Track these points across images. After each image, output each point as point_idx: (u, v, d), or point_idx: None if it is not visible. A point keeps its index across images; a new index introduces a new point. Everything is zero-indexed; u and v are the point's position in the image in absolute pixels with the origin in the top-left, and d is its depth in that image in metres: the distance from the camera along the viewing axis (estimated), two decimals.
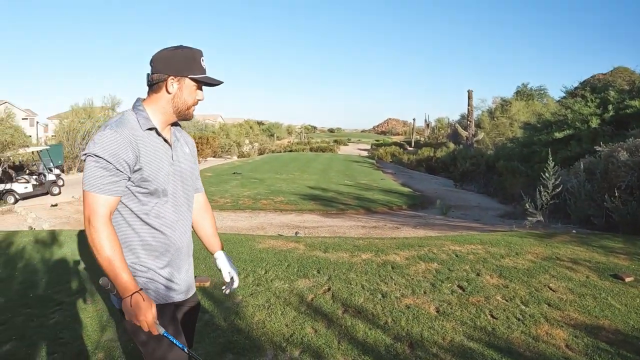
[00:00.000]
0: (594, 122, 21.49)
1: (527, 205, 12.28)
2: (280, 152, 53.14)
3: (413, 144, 66.31)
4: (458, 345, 4.12)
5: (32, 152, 24.53)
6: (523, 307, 5.10)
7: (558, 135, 22.20)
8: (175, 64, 2.26)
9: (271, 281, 5.58)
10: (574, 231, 9.94)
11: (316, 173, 25.57)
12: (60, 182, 22.17)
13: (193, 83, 2.30)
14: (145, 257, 2.28)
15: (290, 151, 54.28)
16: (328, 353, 3.91)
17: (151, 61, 2.29)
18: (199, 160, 25.31)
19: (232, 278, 2.63)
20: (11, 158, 21.55)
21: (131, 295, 2.04)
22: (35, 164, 23.10)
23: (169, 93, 2.28)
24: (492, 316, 4.80)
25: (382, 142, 75.64)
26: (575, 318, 4.86)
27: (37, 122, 72.32)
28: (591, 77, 31.58)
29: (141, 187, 2.21)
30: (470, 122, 40.05)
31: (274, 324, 4.40)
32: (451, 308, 4.95)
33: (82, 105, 42.25)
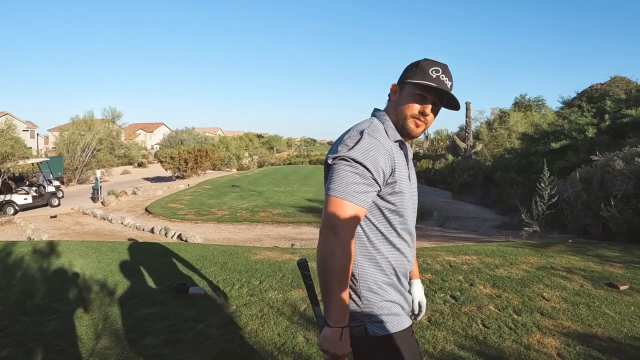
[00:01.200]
0: (591, 132, 21.53)
1: (523, 215, 12.33)
2: (280, 164, 53.18)
3: (412, 156, 66.45)
4: (449, 354, 4.16)
5: (32, 164, 24.60)
6: (515, 316, 5.14)
7: (555, 145, 22.23)
8: (404, 72, 2.14)
9: (265, 291, 5.63)
10: (570, 241, 9.98)
11: (315, 185, 25.59)
12: (59, 194, 22.25)
13: (416, 91, 2.07)
14: (389, 279, 2.06)
15: (290, 164, 54.32)
16: None
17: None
18: (197, 173, 25.15)
19: (420, 308, 2.36)
20: (11, 169, 21.59)
21: (342, 327, 1.86)
22: (35, 176, 23.17)
23: (391, 100, 2.19)
24: (483, 325, 4.84)
25: None
26: (567, 327, 4.90)
27: (38, 134, 72.53)
28: (589, 87, 31.57)
29: (389, 203, 2.01)
30: (468, 133, 40.09)
31: (267, 333, 4.44)
32: (443, 318, 4.99)
33: (83, 117, 42.48)
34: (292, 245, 10.12)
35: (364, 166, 1.89)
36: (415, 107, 2.08)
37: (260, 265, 6.80)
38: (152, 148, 79.78)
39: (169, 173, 33.45)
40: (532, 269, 7.01)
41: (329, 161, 2.01)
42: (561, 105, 31.70)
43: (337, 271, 1.82)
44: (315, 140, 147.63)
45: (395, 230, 2.05)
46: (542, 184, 11.95)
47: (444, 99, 2.12)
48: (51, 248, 8.16)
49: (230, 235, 12.31)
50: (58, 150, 35.08)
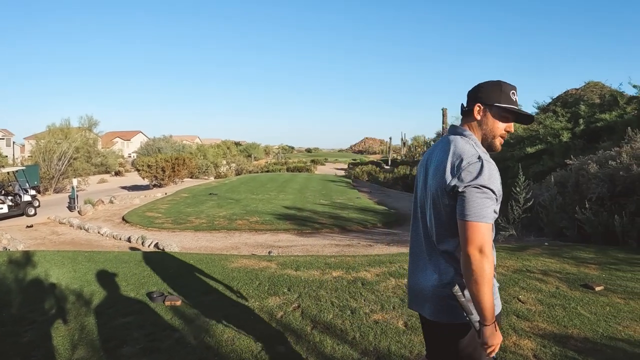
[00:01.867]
0: (565, 137, 21.80)
1: (499, 219, 12.44)
2: (258, 172, 52.95)
3: (390, 162, 66.46)
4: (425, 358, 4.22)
5: (8, 173, 24.32)
6: None
7: (530, 150, 22.45)
8: (485, 92, 2.40)
9: (242, 299, 5.66)
10: (546, 243, 10.12)
11: (292, 193, 25.58)
12: (36, 203, 21.94)
13: (503, 114, 2.39)
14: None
15: (268, 171, 54.11)
16: None
17: (468, 92, 2.50)
18: (175, 182, 25.03)
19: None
20: None
21: (494, 322, 2.20)
22: (11, 185, 22.87)
23: (476, 120, 2.43)
24: None
25: (358, 161, 75.87)
26: (543, 328, 4.98)
27: (14, 142, 71.66)
28: (564, 92, 31.85)
29: (496, 214, 2.26)
30: None
31: (244, 341, 4.46)
32: (418, 322, 5.03)
33: (59, 125, 41.98)
34: (270, 252, 10.12)
35: (492, 190, 2.20)
36: (502, 126, 2.42)
37: (237, 273, 6.81)
38: (129, 156, 79.19)
39: (146, 181, 33.20)
40: (508, 272, 7.10)
41: (460, 189, 2.22)
42: (536, 110, 32.01)
43: (488, 282, 2.12)
44: (293, 148, 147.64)
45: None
46: (518, 188, 12.08)
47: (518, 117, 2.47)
48: (27, 258, 8.10)
49: (207, 243, 12.27)
50: (34, 158, 34.67)
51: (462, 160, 2.25)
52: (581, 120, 22.49)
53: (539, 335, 4.76)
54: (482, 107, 2.40)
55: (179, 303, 5.50)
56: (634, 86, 21.84)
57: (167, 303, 5.48)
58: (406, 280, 6.52)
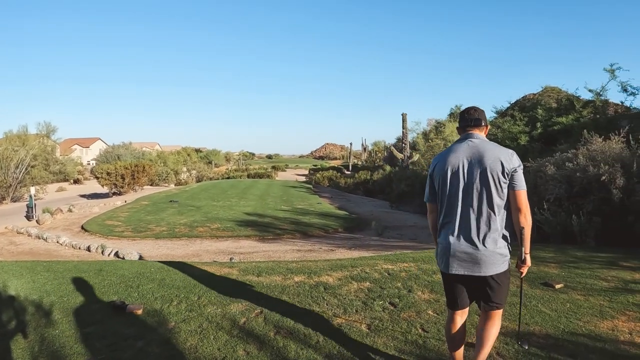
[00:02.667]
0: (523, 140, 22.27)
1: None
2: (218, 179, 52.66)
3: (350, 167, 66.75)
4: (390, 359, 4.25)
5: None
6: None
7: None
8: (485, 117, 3.81)
9: (204, 306, 5.60)
10: None
11: (253, 199, 25.49)
12: None
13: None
14: None
15: (228, 178, 53.86)
16: None
17: (482, 112, 3.78)
18: (135, 189, 24.70)
19: None
20: None
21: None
22: None
23: (485, 132, 3.84)
24: (423, 330, 4.94)
25: (319, 166, 76.05)
26: (505, 326, 5.05)
27: None
28: (522, 97, 32.38)
29: None
30: (405, 144, 40.71)
31: (206, 348, 4.43)
32: (382, 324, 5.07)
33: (16, 132, 41.16)
34: (231, 259, 10.08)
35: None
36: None
37: (199, 280, 6.74)
38: (88, 164, 77.87)
39: (105, 189, 32.68)
40: None
41: (515, 170, 3.47)
42: (495, 115, 32.53)
43: (531, 227, 3.51)
44: (253, 154, 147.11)
45: None
46: None
47: None
48: None
49: (168, 251, 12.14)
50: None
51: (501, 152, 3.49)
52: (539, 124, 23.00)
53: (502, 334, 4.83)
54: (487, 127, 3.84)
55: (140, 311, 5.43)
56: (590, 90, 22.48)
57: (129, 312, 5.41)
58: (368, 283, 6.58)
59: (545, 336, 4.81)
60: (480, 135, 3.66)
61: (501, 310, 3.71)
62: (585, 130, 14.70)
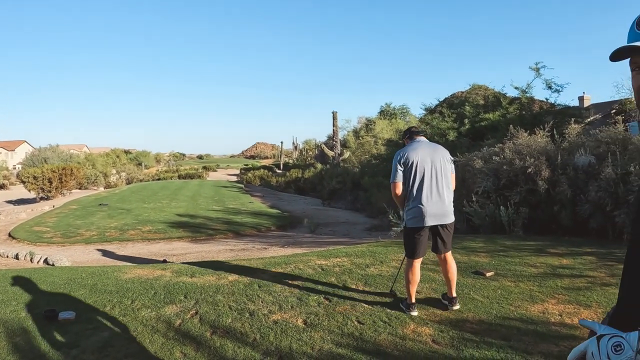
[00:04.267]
0: (452, 135, 22.79)
1: (390, 216, 12.79)
2: (149, 180, 51.67)
3: (282, 166, 66.66)
4: (327, 353, 4.28)
5: None
6: (389, 310, 5.38)
7: None
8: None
9: (138, 310, 5.50)
10: None
11: (185, 200, 25.17)
12: None
13: None
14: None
15: (159, 179, 52.94)
16: None
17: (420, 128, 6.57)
18: (63, 193, 23.97)
19: None
20: None
21: None
22: None
23: None
24: (358, 322, 5.01)
25: (251, 166, 75.57)
26: (439, 314, 5.19)
27: None
28: (451, 95, 33.14)
29: None
30: (335, 142, 41.05)
31: (143, 353, 4.36)
32: (318, 319, 5.12)
33: None
34: (164, 261, 9.93)
35: None
36: None
37: (132, 284, 6.61)
38: (14, 168, 75.00)
39: (32, 194, 31.50)
40: (401, 265, 7.32)
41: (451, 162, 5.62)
42: (424, 112, 33.13)
43: None
44: (184, 155, 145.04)
45: None
46: None
47: None
48: None
49: (99, 256, 11.83)
50: None
51: (442, 150, 5.53)
52: (466, 120, 23.61)
53: (436, 322, 4.96)
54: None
55: (73, 319, 5.29)
56: (516, 88, 23.19)
57: (61, 319, 5.26)
58: (303, 279, 6.61)
59: (479, 322, 4.97)
60: (425, 139, 5.65)
61: (450, 252, 5.54)
62: (511, 126, 15.19)
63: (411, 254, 5.40)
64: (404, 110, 46.06)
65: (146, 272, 7.32)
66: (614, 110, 16.44)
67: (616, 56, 1.46)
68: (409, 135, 5.73)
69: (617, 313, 1.53)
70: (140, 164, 76.29)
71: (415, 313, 5.27)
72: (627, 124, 12.44)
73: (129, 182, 52.00)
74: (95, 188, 43.56)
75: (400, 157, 5.39)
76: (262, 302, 5.71)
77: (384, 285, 6.33)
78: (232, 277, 6.87)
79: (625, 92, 22.32)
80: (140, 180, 52.33)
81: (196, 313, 5.37)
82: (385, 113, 45.30)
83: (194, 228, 15.97)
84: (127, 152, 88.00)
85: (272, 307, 5.53)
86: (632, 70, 1.49)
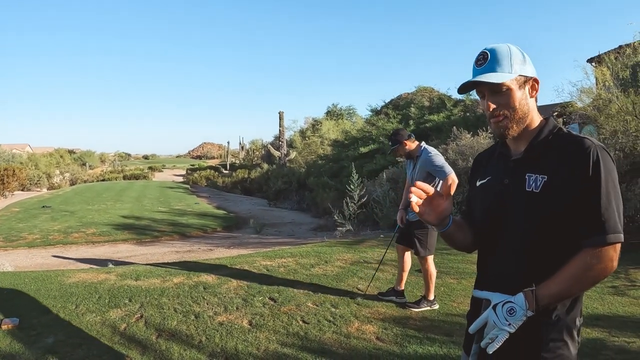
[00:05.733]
0: None
1: (336, 216, 12.95)
2: (93, 181, 50.61)
3: (228, 166, 66.17)
4: (272, 353, 4.35)
5: None
6: (333, 309, 5.48)
7: (364, 150, 23.48)
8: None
9: (82, 315, 5.42)
10: (382, 235, 10.67)
11: (130, 201, 24.75)
12: None
13: None
14: None
15: (104, 180, 51.94)
16: None
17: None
18: (4, 195, 23.25)
19: None
20: None
21: None
22: None
23: None
24: (303, 321, 5.10)
25: (197, 166, 74.69)
26: (384, 312, 5.32)
27: None
28: (397, 96, 33.51)
29: None
30: (282, 142, 41.03)
31: (88, 358, 4.33)
32: (264, 319, 5.18)
33: None
34: (109, 264, 9.81)
35: None
36: None
37: (75, 288, 6.50)
38: None
39: None
40: (346, 265, 7.46)
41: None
42: (370, 113, 33.44)
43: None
44: (129, 155, 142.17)
45: None
46: (352, 186, 12.64)
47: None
48: None
49: (42, 260, 11.54)
50: None
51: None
52: (411, 122, 23.98)
53: (380, 320, 5.09)
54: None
55: (16, 325, 5.20)
56: None
57: (4, 327, 5.13)
58: (248, 280, 6.65)
59: (422, 319, 5.13)
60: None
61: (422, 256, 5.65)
62: (455, 127, 15.54)
63: (431, 251, 5.70)
64: (351, 111, 46.46)
65: (90, 276, 7.22)
66: (555, 113, 16.94)
67: (463, 89, 1.89)
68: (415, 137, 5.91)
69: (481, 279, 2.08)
70: (84, 165, 74.55)
71: (437, 306, 5.65)
72: (567, 127, 12.88)
73: (73, 183, 50.83)
74: (39, 189, 42.39)
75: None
76: (207, 304, 5.74)
77: (329, 285, 6.44)
78: (178, 279, 6.86)
79: (566, 95, 23.02)
80: (85, 181, 51.23)
81: (141, 316, 5.36)
82: (332, 114, 45.55)
83: (139, 230, 15.76)
84: (71, 151, 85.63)
85: (218, 309, 5.57)
86: (480, 98, 1.89)
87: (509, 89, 1.78)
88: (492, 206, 1.95)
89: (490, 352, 1.68)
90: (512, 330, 1.64)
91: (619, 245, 1.64)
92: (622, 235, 1.63)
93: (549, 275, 1.67)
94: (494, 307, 1.71)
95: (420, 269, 5.92)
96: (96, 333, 4.89)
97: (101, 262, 10.45)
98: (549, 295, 1.65)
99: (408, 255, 5.94)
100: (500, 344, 1.65)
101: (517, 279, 1.76)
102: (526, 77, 1.82)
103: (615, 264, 1.64)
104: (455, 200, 10.74)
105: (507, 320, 1.64)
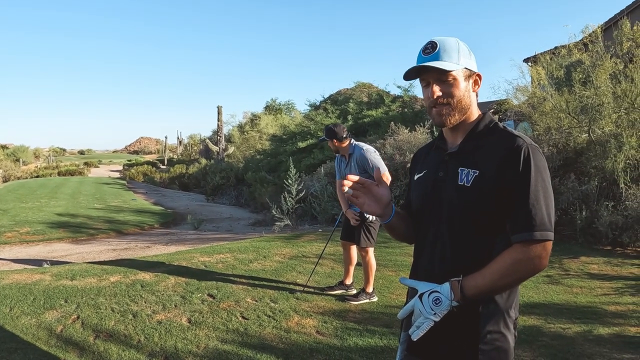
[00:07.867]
0: None
1: (274, 211, 12.95)
2: (27, 178, 49.01)
3: (166, 162, 65.17)
4: (212, 350, 4.35)
5: None
6: (272, 304, 5.51)
7: (302, 144, 23.49)
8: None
9: (17, 318, 5.25)
10: (320, 230, 10.74)
11: (65, 199, 24.00)
12: None
13: None
14: None
15: (38, 176, 50.30)
16: None
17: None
18: None
19: None
20: None
21: None
22: None
23: None
24: (243, 317, 5.12)
25: (134, 161, 73.21)
26: (323, 306, 5.37)
27: None
28: (336, 92, 33.69)
29: None
30: (220, 137, 40.62)
31: None
32: (203, 317, 5.17)
33: None
34: (43, 264, 9.54)
35: None
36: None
37: (9, 290, 6.28)
38: None
39: None
40: (285, 260, 7.50)
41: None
42: (309, 108, 33.50)
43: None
44: (64, 150, 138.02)
45: None
46: (290, 181, 12.67)
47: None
48: None
49: None
50: None
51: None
52: (350, 117, 24.13)
53: (320, 313, 5.15)
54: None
55: None
56: (399, 87, 24.03)
57: None
58: (186, 277, 6.61)
59: (361, 311, 5.22)
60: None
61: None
62: (392, 123, 15.73)
63: (373, 243, 5.78)
64: (290, 106, 46.38)
65: (24, 277, 7.00)
66: (491, 110, 17.41)
67: (408, 76, 1.91)
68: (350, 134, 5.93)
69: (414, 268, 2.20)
70: (17, 160, 72.07)
71: (376, 299, 5.78)
72: (503, 123, 13.22)
73: (5, 180, 49.01)
74: None
75: None
76: (145, 303, 5.68)
77: (268, 280, 6.46)
78: (114, 278, 6.75)
79: (502, 93, 23.64)
80: (18, 178, 49.50)
81: (78, 317, 5.25)
82: (271, 108, 45.34)
83: (75, 228, 15.32)
84: (3, 147, 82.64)
85: (156, 307, 5.52)
86: (422, 86, 1.93)
87: (455, 79, 1.82)
88: (426, 198, 1.99)
89: (415, 340, 1.72)
90: (437, 320, 1.68)
91: (549, 244, 1.67)
92: (551, 234, 1.66)
93: (478, 268, 1.71)
94: (420, 296, 1.75)
95: (360, 262, 5.96)
96: (32, 337, 4.76)
97: (36, 262, 10.12)
98: (475, 286, 1.68)
99: (354, 249, 6.02)
100: (424, 332, 1.69)
101: (445, 270, 1.82)
102: (471, 71, 1.88)
103: (545, 261, 1.67)
104: (392, 194, 10.92)
105: (432, 310, 1.69)
